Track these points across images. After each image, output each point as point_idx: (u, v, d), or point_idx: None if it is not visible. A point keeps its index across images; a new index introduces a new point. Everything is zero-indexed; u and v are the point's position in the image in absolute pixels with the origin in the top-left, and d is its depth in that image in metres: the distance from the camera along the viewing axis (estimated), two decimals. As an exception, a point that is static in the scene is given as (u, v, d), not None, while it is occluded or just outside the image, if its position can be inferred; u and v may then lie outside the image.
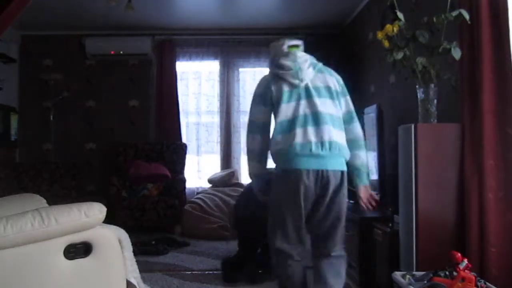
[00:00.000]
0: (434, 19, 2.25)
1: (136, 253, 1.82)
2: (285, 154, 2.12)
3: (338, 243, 2.26)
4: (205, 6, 4.96)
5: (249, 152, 2.31)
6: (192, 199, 5.16)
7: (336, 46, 5.57)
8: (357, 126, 2.32)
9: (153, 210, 4.80)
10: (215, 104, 5.91)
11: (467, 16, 2.16)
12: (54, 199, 2.02)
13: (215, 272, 3.43)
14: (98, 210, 1.51)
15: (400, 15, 2.32)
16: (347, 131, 2.26)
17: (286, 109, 2.16)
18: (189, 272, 3.44)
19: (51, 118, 5.62)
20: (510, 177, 2.12)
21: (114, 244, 1.58)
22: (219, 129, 5.86)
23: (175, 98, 5.68)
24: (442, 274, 1.92)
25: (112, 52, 5.60)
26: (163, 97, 5.66)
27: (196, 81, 5.91)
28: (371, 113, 3.41)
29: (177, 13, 5.19)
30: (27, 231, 1.40)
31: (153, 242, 4.16)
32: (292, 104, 2.17)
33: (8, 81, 5.44)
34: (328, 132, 2.11)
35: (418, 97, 2.38)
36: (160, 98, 5.70)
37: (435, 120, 2.35)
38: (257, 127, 2.25)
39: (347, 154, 2.20)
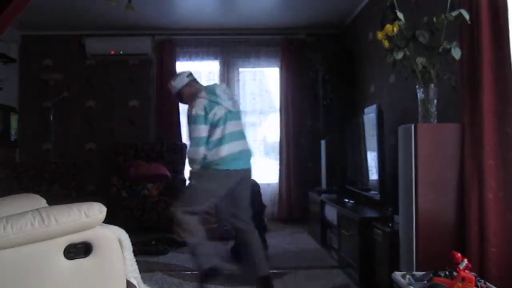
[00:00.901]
0: (434, 19, 2.24)
1: (136, 253, 1.82)
2: None
3: None
4: (205, 6, 4.96)
5: None
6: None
7: (336, 46, 5.58)
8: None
9: (153, 210, 4.80)
10: (215, 104, 5.90)
11: (467, 16, 2.16)
12: (54, 199, 2.02)
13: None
14: (98, 210, 1.51)
15: (400, 15, 2.32)
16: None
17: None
18: (189, 272, 3.44)
19: (51, 118, 5.63)
20: (510, 177, 2.12)
21: (114, 244, 1.58)
22: (219, 129, 5.85)
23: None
24: (442, 274, 1.92)
25: (112, 52, 5.60)
26: (163, 97, 5.66)
27: (196, 81, 5.91)
28: (371, 113, 3.41)
29: (177, 13, 5.19)
30: (27, 231, 1.40)
31: (153, 242, 4.16)
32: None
33: (8, 81, 5.44)
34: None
35: (418, 97, 2.38)
36: (160, 98, 5.70)
37: (435, 120, 2.35)
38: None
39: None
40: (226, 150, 2.79)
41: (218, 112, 2.81)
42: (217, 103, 2.84)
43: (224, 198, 2.90)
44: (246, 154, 2.92)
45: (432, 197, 2.26)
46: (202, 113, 2.78)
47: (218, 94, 2.88)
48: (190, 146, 2.85)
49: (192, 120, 2.80)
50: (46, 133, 5.67)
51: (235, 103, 3.01)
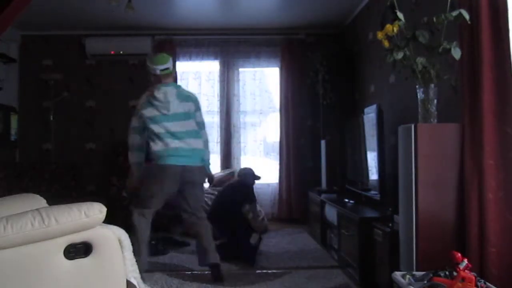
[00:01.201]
0: (434, 19, 2.25)
1: (136, 253, 1.82)
2: None
3: None
4: (205, 6, 4.96)
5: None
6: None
7: (336, 46, 5.58)
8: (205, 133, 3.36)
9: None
10: (215, 104, 5.91)
11: (467, 16, 2.16)
12: (54, 199, 2.02)
13: (215, 272, 3.43)
14: (98, 210, 1.51)
15: (400, 15, 2.32)
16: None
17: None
18: (189, 272, 3.44)
19: (51, 118, 5.63)
20: (510, 177, 2.12)
21: (114, 244, 1.58)
22: (219, 129, 5.86)
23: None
24: (442, 274, 1.92)
25: (112, 52, 5.60)
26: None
27: (196, 81, 5.92)
28: (371, 113, 3.41)
29: (177, 13, 5.19)
30: (27, 231, 1.40)
31: (153, 242, 4.16)
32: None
33: (8, 81, 5.44)
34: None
35: (418, 97, 2.38)
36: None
37: (435, 120, 2.35)
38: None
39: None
40: (159, 146, 3.10)
41: (151, 112, 3.14)
42: (152, 105, 3.15)
43: (172, 195, 3.18)
44: (187, 152, 3.12)
45: (432, 197, 2.26)
46: (138, 107, 3.22)
47: (157, 97, 3.15)
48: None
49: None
50: (46, 133, 5.67)
51: (179, 105, 3.18)
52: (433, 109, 2.34)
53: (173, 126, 3.13)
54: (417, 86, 2.38)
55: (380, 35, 2.38)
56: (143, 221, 3.13)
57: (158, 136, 3.10)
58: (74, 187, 5.20)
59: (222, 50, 5.84)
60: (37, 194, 2.12)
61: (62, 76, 5.68)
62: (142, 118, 3.16)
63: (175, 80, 3.44)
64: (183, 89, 3.34)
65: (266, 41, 5.84)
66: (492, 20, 2.15)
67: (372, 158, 3.46)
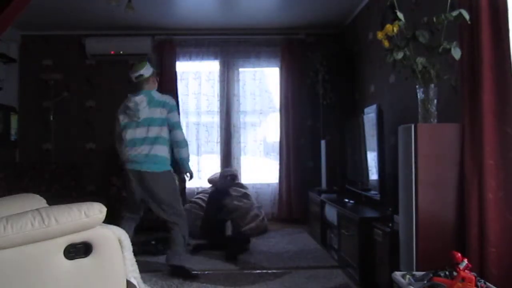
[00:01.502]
0: (434, 19, 2.24)
1: (136, 253, 1.82)
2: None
3: None
4: (205, 6, 4.96)
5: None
6: (192, 199, 5.17)
7: (336, 46, 5.58)
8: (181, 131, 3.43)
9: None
10: (215, 104, 5.91)
11: (467, 16, 2.16)
12: (54, 199, 2.02)
13: (215, 272, 3.43)
14: (98, 210, 1.51)
15: (400, 15, 2.32)
16: (172, 135, 3.40)
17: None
18: (189, 272, 3.43)
19: (51, 118, 5.63)
20: (510, 177, 2.12)
21: (114, 244, 1.58)
22: (219, 129, 5.86)
23: (175, 98, 5.65)
24: (442, 274, 1.92)
25: (112, 52, 5.60)
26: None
27: (196, 81, 5.92)
28: (371, 113, 3.41)
29: (177, 13, 5.19)
30: (27, 231, 1.40)
31: (153, 242, 4.16)
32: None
33: (8, 81, 5.44)
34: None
35: (418, 97, 2.38)
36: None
37: (435, 120, 2.35)
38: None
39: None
40: (125, 152, 3.38)
41: (123, 119, 3.41)
42: (124, 112, 3.40)
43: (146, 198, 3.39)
44: (141, 158, 3.31)
45: (432, 197, 2.26)
46: (116, 114, 3.50)
47: (128, 105, 3.37)
48: None
49: None
50: (46, 133, 5.67)
51: (148, 112, 3.34)
52: (433, 109, 2.34)
53: (137, 133, 3.33)
54: (417, 86, 2.38)
55: (380, 35, 2.38)
56: (123, 223, 3.36)
57: (125, 143, 3.37)
58: (74, 187, 5.20)
59: (222, 50, 5.84)
60: (37, 194, 2.12)
61: (62, 76, 5.67)
62: (119, 124, 3.44)
63: (158, 83, 3.50)
64: (155, 95, 3.42)
65: (266, 41, 5.84)
66: (492, 20, 2.15)
67: (372, 158, 3.46)
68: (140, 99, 3.34)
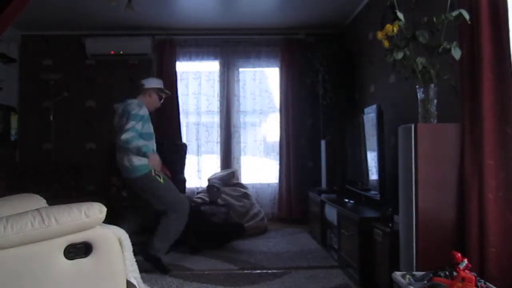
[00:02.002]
0: (434, 19, 2.24)
1: (136, 253, 1.82)
2: None
3: None
4: (205, 6, 4.96)
5: None
6: (192, 199, 5.17)
7: (336, 46, 5.57)
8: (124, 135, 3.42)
9: (153, 210, 4.78)
10: (215, 104, 5.91)
11: (467, 16, 2.16)
12: (54, 199, 2.02)
13: (215, 272, 3.43)
14: (98, 210, 1.51)
15: (400, 15, 2.32)
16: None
17: None
18: (189, 272, 3.44)
19: (51, 118, 5.62)
20: (510, 177, 2.12)
21: (114, 244, 1.58)
22: (219, 129, 5.86)
23: (175, 98, 5.68)
24: (442, 274, 1.92)
25: (112, 52, 5.60)
26: (163, 97, 5.64)
27: (196, 81, 5.92)
28: (371, 113, 3.41)
29: (177, 13, 5.19)
30: (27, 231, 1.40)
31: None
32: None
33: (8, 81, 5.43)
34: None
35: (418, 97, 2.38)
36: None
37: (435, 120, 2.34)
38: None
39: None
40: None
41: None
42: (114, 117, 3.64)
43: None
44: (122, 166, 3.57)
45: (432, 197, 2.26)
46: None
47: (115, 109, 3.66)
48: None
49: None
50: (46, 133, 5.66)
51: (123, 118, 3.49)
52: (433, 109, 2.34)
53: (119, 141, 3.47)
54: (417, 86, 2.38)
55: (380, 35, 2.38)
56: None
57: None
58: (74, 187, 5.20)
59: (222, 50, 5.84)
60: (37, 194, 2.12)
61: (62, 76, 5.67)
62: None
63: (144, 91, 3.70)
64: (129, 103, 3.55)
65: (266, 41, 5.84)
66: (492, 20, 2.15)
67: (372, 158, 3.46)
68: (124, 106, 3.56)
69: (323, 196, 4.32)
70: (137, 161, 3.47)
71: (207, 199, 5.04)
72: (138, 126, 3.44)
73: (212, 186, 5.01)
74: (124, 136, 3.36)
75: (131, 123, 3.40)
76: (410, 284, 1.96)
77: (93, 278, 1.52)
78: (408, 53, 2.32)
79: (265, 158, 6.05)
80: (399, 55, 2.31)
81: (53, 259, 1.47)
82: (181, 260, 3.80)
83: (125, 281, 1.62)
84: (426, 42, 2.29)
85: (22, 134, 5.64)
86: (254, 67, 5.93)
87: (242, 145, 5.90)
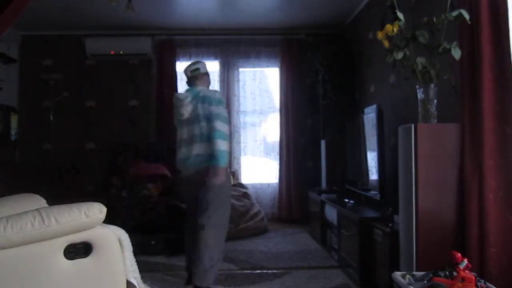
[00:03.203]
0: (434, 19, 2.24)
1: (136, 253, 1.82)
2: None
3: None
4: (205, 6, 4.96)
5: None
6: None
7: (336, 46, 5.57)
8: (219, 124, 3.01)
9: (153, 210, 4.80)
10: (215, 104, 5.90)
11: (467, 16, 2.16)
12: (54, 199, 2.02)
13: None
14: (98, 210, 1.51)
15: (400, 15, 2.32)
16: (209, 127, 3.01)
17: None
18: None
19: (51, 118, 5.62)
20: (510, 177, 2.12)
21: (114, 244, 1.58)
22: (219, 129, 5.85)
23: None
24: (442, 274, 1.92)
25: (112, 52, 5.61)
26: (163, 97, 5.66)
27: (196, 81, 5.91)
28: (371, 113, 3.41)
29: (177, 13, 5.19)
30: (27, 231, 1.40)
31: (153, 242, 4.16)
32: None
33: (8, 81, 5.44)
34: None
35: (418, 97, 2.38)
36: (160, 98, 5.70)
37: (435, 120, 2.34)
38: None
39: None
40: (178, 154, 3.12)
41: (176, 116, 3.15)
42: (177, 107, 3.12)
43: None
44: (191, 158, 3.01)
45: (432, 197, 2.26)
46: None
47: (174, 102, 3.16)
48: None
49: None
50: (46, 133, 5.66)
51: (189, 108, 3.06)
52: (433, 109, 2.34)
53: (189, 131, 3.06)
54: (417, 86, 2.38)
55: (380, 35, 2.38)
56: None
57: (177, 144, 3.19)
58: (74, 187, 5.20)
59: (222, 50, 5.84)
60: (37, 194, 2.12)
61: (62, 76, 5.67)
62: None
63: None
64: (206, 90, 3.15)
65: (266, 41, 5.84)
66: (492, 20, 2.15)
67: (372, 158, 3.46)
68: (182, 96, 3.12)
69: (323, 196, 4.32)
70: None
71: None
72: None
73: None
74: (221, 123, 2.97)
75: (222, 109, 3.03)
76: (410, 284, 1.96)
77: (93, 278, 1.52)
78: (408, 53, 2.32)
79: (265, 158, 6.05)
80: (399, 55, 2.31)
81: (53, 259, 1.47)
82: (181, 260, 3.79)
83: (125, 281, 1.62)
84: (426, 42, 2.29)
85: (22, 134, 5.64)
86: (254, 67, 5.94)
87: (242, 145, 5.90)
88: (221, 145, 2.93)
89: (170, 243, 4.06)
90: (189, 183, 3.08)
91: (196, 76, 3.17)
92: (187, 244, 3.15)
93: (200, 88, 3.14)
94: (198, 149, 2.99)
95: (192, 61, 3.32)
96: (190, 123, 3.05)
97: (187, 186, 3.12)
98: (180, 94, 3.19)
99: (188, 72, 3.20)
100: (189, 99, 3.07)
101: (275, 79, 5.96)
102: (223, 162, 2.94)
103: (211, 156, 2.94)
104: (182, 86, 5.83)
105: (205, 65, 3.28)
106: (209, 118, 2.97)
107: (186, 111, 3.06)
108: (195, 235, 2.96)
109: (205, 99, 3.03)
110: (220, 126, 2.96)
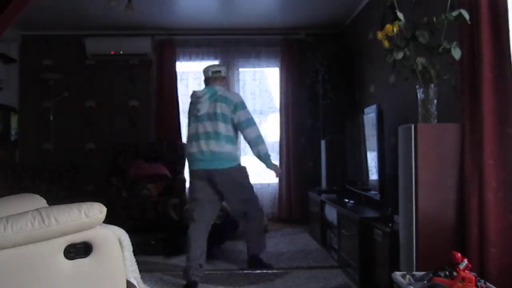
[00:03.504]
0: (434, 19, 2.24)
1: (136, 253, 1.82)
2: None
3: None
4: (205, 6, 4.96)
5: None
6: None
7: (336, 46, 5.57)
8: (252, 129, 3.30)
9: (153, 210, 4.80)
10: (215, 104, 5.90)
11: (467, 16, 2.16)
12: (54, 199, 2.02)
13: (215, 272, 3.43)
14: (98, 210, 1.51)
15: (400, 15, 2.32)
16: (245, 135, 3.30)
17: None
18: (189, 272, 3.43)
19: (51, 118, 5.63)
20: (510, 177, 2.12)
21: (114, 244, 1.58)
22: (219, 129, 5.85)
23: (175, 98, 5.68)
24: (442, 274, 1.92)
25: (112, 52, 5.60)
26: (163, 97, 5.67)
27: (196, 81, 5.91)
28: (371, 113, 3.41)
29: (177, 13, 5.19)
30: (27, 231, 1.40)
31: (153, 242, 4.16)
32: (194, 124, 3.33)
33: (8, 81, 5.44)
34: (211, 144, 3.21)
35: (418, 97, 2.38)
36: (160, 98, 5.70)
37: (435, 120, 2.34)
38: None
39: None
40: (188, 148, 3.31)
41: (192, 112, 3.33)
42: (194, 103, 3.32)
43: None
44: (208, 155, 3.21)
45: (432, 197, 2.26)
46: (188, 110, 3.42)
47: (191, 98, 3.37)
48: None
49: None
50: (46, 133, 5.67)
51: (214, 105, 3.24)
52: (433, 109, 2.34)
53: (208, 127, 3.26)
54: (417, 86, 2.38)
55: (380, 35, 2.38)
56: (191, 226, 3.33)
57: (190, 137, 3.37)
58: (74, 187, 5.20)
59: (222, 50, 5.84)
60: (37, 194, 2.12)
61: (62, 76, 5.67)
62: (189, 119, 3.43)
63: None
64: (224, 91, 3.37)
65: (266, 41, 5.84)
66: (492, 20, 2.15)
67: (372, 158, 3.46)
68: (205, 91, 3.30)
69: (323, 196, 4.32)
70: (234, 150, 3.33)
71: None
72: None
73: None
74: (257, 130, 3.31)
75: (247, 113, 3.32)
76: (410, 284, 1.96)
77: (93, 278, 1.52)
78: (408, 53, 2.32)
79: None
80: (399, 55, 2.31)
81: (53, 259, 1.47)
82: (181, 260, 3.79)
83: (125, 281, 1.62)
84: (426, 42, 2.29)
85: (22, 134, 5.64)
86: (254, 67, 5.94)
87: (242, 145, 5.89)
88: (266, 149, 3.34)
89: (169, 243, 4.06)
90: (202, 177, 3.24)
91: (216, 77, 3.35)
92: (193, 243, 3.19)
93: (218, 88, 3.32)
94: (213, 145, 3.20)
95: (214, 62, 3.61)
96: (206, 120, 3.23)
97: (200, 180, 3.26)
98: (199, 91, 3.35)
99: (210, 73, 3.35)
100: (207, 96, 3.26)
101: (275, 79, 5.96)
102: (270, 163, 3.40)
103: (230, 155, 3.24)
104: (182, 86, 5.83)
105: (226, 69, 3.50)
106: (238, 122, 3.24)
107: (203, 107, 3.24)
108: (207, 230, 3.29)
109: (226, 100, 3.25)
110: (258, 130, 3.31)
